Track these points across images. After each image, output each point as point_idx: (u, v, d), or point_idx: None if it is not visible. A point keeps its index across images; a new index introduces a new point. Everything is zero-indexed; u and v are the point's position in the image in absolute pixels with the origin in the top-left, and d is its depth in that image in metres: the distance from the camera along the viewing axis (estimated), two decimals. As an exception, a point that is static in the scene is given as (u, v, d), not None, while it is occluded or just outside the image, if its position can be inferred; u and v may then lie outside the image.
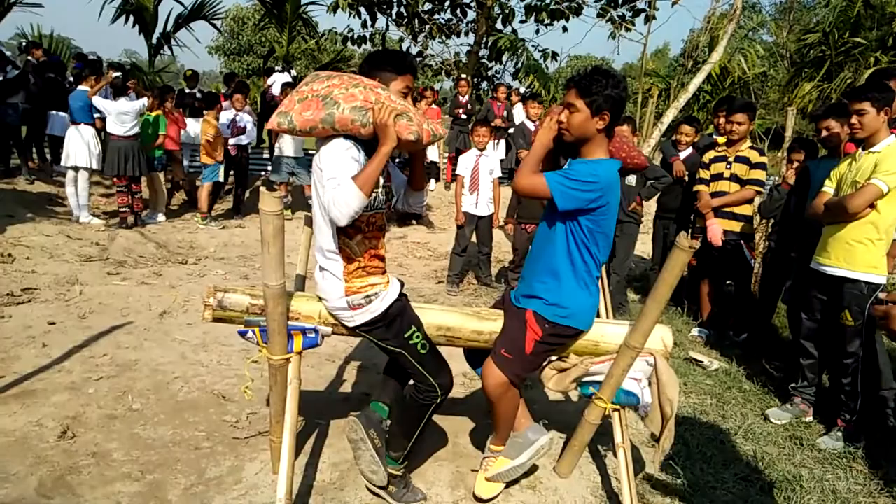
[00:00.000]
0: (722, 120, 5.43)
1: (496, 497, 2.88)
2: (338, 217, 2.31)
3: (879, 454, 3.55)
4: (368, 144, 2.45)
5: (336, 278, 2.57)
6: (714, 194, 5.10)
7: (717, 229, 5.05)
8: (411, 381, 2.76)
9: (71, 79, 9.69)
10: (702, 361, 4.73)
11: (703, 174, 5.13)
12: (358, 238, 2.56)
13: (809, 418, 3.96)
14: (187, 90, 10.52)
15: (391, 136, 2.36)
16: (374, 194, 2.54)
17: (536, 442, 2.91)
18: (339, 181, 2.31)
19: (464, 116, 10.78)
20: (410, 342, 2.68)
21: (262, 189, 2.31)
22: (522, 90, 12.40)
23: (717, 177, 5.09)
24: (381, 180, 2.61)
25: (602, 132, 2.61)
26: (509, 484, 2.96)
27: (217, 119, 8.30)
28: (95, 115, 7.60)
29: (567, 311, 2.71)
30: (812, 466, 3.39)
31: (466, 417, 3.62)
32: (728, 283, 5.60)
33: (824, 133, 4.28)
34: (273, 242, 2.26)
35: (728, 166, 5.05)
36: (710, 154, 5.13)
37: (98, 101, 7.61)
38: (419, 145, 2.49)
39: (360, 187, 2.30)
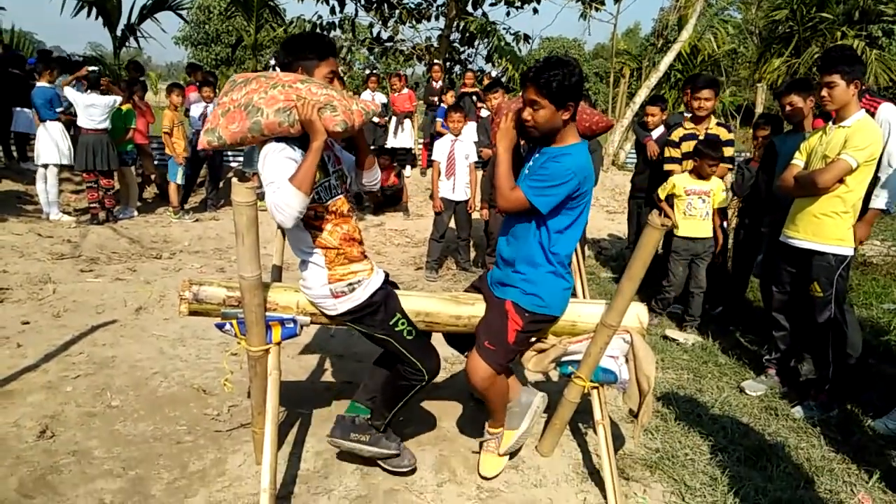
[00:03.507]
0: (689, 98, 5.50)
1: (500, 473, 2.97)
2: (282, 220, 2.34)
3: (852, 421, 3.64)
4: (305, 140, 2.44)
5: (319, 267, 2.59)
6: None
7: None
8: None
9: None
10: (678, 339, 4.81)
11: (674, 153, 5.15)
12: (328, 227, 2.58)
13: (784, 388, 4.04)
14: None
15: (319, 131, 2.37)
16: (326, 183, 2.57)
17: (532, 404, 3.00)
18: (278, 184, 2.33)
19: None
20: (396, 329, 2.70)
21: (235, 180, 2.29)
22: (494, 74, 12.37)
23: (689, 155, 5.12)
24: (331, 167, 2.63)
25: (570, 121, 2.63)
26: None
27: (176, 109, 8.16)
28: (58, 109, 7.41)
29: (544, 300, 2.75)
30: (787, 436, 3.47)
31: (449, 401, 3.65)
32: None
33: (788, 108, 4.32)
34: (247, 233, 2.25)
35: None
36: (679, 132, 5.16)
37: (68, 92, 7.45)
38: (351, 131, 2.49)
39: (298, 187, 2.31)
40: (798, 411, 3.73)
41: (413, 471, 2.93)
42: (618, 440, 3.31)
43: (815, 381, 3.93)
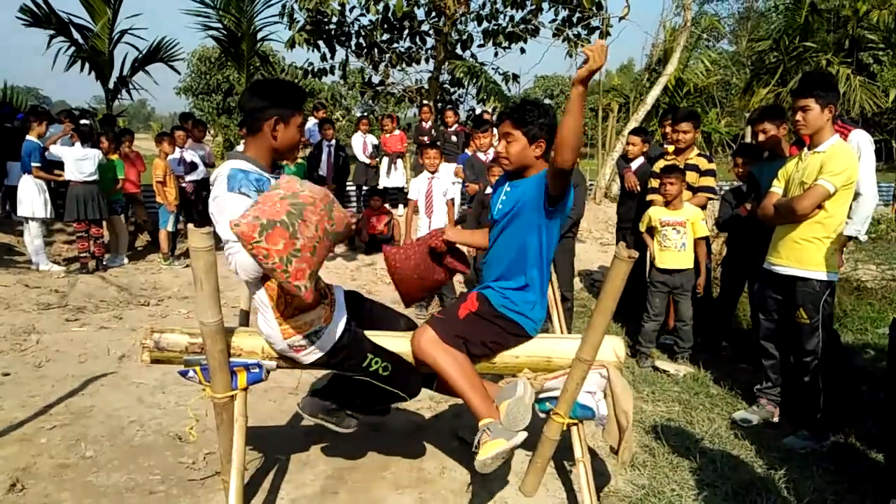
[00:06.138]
0: (669, 129, 5.53)
1: (493, 458, 2.56)
2: (245, 278, 2.37)
3: (846, 451, 3.56)
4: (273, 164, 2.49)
5: (270, 322, 2.49)
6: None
7: None
8: None
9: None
10: (668, 371, 4.73)
11: (655, 183, 5.17)
12: None
13: (776, 419, 3.96)
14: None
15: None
16: None
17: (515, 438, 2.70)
18: (236, 248, 2.28)
19: (428, 143, 10.83)
20: (371, 370, 2.64)
21: (190, 225, 2.25)
22: (479, 111, 12.49)
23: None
24: None
25: (541, 158, 2.76)
26: None
27: (166, 158, 8.20)
28: (33, 164, 7.38)
29: (515, 304, 2.77)
30: (779, 468, 3.36)
31: (431, 442, 3.58)
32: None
33: (761, 136, 4.34)
34: (205, 279, 2.22)
35: None
36: (661, 163, 5.19)
37: (55, 149, 7.52)
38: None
39: None
40: (790, 442, 3.65)
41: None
42: (604, 476, 3.24)
43: (806, 411, 3.85)
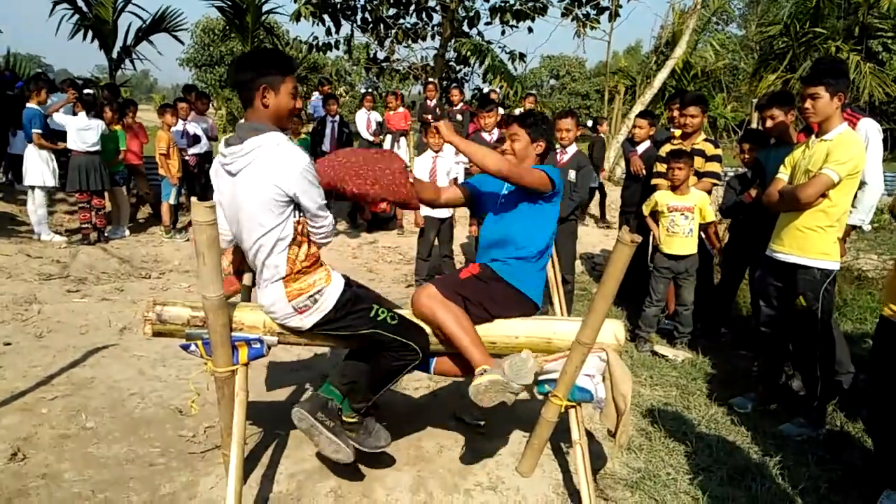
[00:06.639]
0: (676, 113, 5.49)
1: (488, 385, 2.60)
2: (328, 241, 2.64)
3: (841, 439, 3.58)
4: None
5: (276, 286, 2.53)
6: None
7: None
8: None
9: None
10: (667, 356, 4.75)
11: (661, 168, 5.14)
12: (304, 247, 2.55)
13: (773, 406, 3.97)
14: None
15: None
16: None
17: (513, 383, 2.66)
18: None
19: (432, 121, 10.77)
20: (379, 319, 2.67)
21: (194, 199, 2.25)
22: (485, 90, 12.40)
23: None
24: None
25: (538, 157, 3.17)
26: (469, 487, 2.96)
27: (169, 129, 8.15)
28: (34, 130, 7.32)
29: (518, 275, 2.93)
30: (774, 454, 3.39)
31: (431, 420, 3.60)
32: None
33: (769, 122, 4.30)
34: (208, 253, 2.22)
35: None
36: (667, 148, 5.16)
37: (58, 117, 7.48)
38: None
39: None
40: (786, 428, 3.67)
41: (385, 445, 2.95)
42: (600, 459, 3.26)
43: (803, 398, 3.86)
